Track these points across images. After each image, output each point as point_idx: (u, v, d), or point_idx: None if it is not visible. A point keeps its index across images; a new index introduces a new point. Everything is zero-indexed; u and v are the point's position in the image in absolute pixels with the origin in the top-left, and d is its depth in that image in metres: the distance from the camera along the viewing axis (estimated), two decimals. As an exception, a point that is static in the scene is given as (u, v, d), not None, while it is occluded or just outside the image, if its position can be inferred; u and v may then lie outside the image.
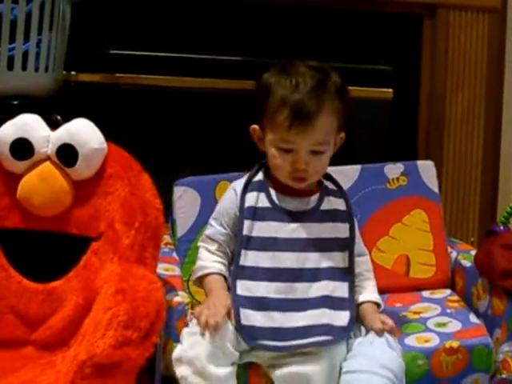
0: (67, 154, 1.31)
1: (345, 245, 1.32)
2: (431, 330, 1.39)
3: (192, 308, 1.30)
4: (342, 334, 1.25)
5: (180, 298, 1.32)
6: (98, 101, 1.82)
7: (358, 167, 1.62)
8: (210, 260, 1.33)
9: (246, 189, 1.32)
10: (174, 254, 1.53)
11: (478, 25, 2.01)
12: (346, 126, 1.33)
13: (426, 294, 1.56)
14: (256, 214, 1.30)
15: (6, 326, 1.31)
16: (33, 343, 1.30)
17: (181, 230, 1.55)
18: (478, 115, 2.01)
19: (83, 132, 1.32)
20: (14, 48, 1.53)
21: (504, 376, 1.38)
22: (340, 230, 1.33)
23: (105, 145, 1.35)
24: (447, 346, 1.33)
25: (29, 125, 1.33)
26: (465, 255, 1.60)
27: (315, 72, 1.28)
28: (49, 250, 1.33)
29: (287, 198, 1.31)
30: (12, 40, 1.52)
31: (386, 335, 1.27)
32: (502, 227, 1.72)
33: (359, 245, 1.38)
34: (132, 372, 1.16)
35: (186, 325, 1.26)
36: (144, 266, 1.28)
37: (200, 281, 1.34)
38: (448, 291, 1.58)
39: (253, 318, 1.23)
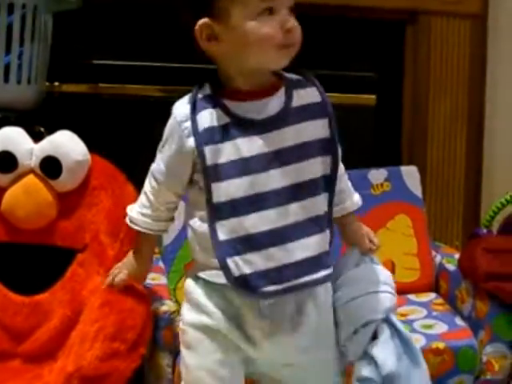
0: (51, 167, 1.32)
1: (327, 146, 1.07)
2: (418, 332, 1.40)
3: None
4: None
5: (166, 306, 1.32)
6: (81, 111, 1.82)
7: (342, 173, 1.63)
8: (137, 210, 1.13)
9: (195, 108, 1.04)
10: (160, 263, 1.54)
11: (459, 31, 2.03)
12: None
13: (411, 297, 1.58)
14: (216, 134, 1.03)
15: (-8, 339, 1.31)
16: (19, 356, 1.31)
17: (166, 238, 1.55)
18: (461, 120, 2.02)
19: (66, 144, 1.33)
20: (-4, 61, 1.53)
21: (488, 377, 1.40)
22: (320, 127, 1.07)
23: (88, 156, 1.35)
24: (433, 346, 1.35)
25: (12, 138, 1.33)
26: (449, 259, 1.62)
27: None
28: (34, 262, 1.33)
29: (247, 104, 1.04)
30: (-7, 53, 1.52)
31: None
32: (484, 230, 1.74)
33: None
34: None
35: None
36: (130, 278, 1.28)
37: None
38: (433, 295, 1.60)
39: (248, 263, 1.01)
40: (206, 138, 1.03)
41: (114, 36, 1.88)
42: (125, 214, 1.14)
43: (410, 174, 1.69)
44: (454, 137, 2.03)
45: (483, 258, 1.48)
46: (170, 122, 1.07)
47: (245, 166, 1.03)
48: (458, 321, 1.46)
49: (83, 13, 1.72)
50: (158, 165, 1.09)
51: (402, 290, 1.59)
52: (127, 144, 1.86)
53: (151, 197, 1.11)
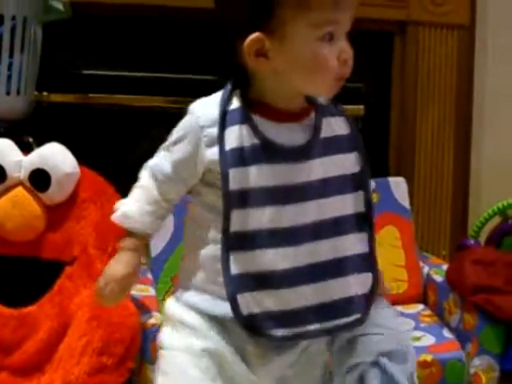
0: (40, 179, 1.32)
1: (358, 182, 0.97)
2: (405, 345, 1.40)
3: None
4: (363, 306, 0.95)
5: (154, 319, 1.32)
6: (70, 121, 1.82)
7: (330, 185, 1.64)
8: (138, 208, 0.96)
9: (224, 122, 0.92)
10: (149, 274, 1.53)
11: (447, 41, 2.04)
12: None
13: (399, 308, 1.58)
14: (243, 156, 0.92)
15: (-21, 352, 1.31)
16: (7, 368, 1.30)
17: (155, 249, 1.55)
18: (448, 131, 2.04)
19: (56, 156, 1.33)
20: (-14, 72, 1.52)
21: (475, 390, 1.41)
22: (348, 162, 0.97)
23: (77, 169, 1.35)
24: (421, 359, 1.35)
25: (1, 150, 1.34)
26: (436, 270, 1.63)
27: None
28: (22, 275, 1.33)
29: (277, 126, 0.94)
30: (-17, 64, 1.52)
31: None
32: (472, 241, 1.75)
33: None
34: (107, 397, 1.17)
35: None
36: (118, 291, 1.28)
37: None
38: (421, 306, 1.60)
39: (258, 302, 0.92)
40: (233, 159, 0.92)
41: (104, 46, 1.88)
42: (114, 227, 1.12)
43: (398, 185, 1.70)
44: (441, 147, 2.04)
45: (471, 270, 1.49)
46: (189, 121, 0.93)
47: (268, 196, 0.92)
48: (446, 333, 1.46)
49: (73, 23, 1.72)
50: (161, 163, 0.96)
51: (390, 302, 1.60)
52: (116, 155, 1.86)
53: (154, 192, 0.96)
